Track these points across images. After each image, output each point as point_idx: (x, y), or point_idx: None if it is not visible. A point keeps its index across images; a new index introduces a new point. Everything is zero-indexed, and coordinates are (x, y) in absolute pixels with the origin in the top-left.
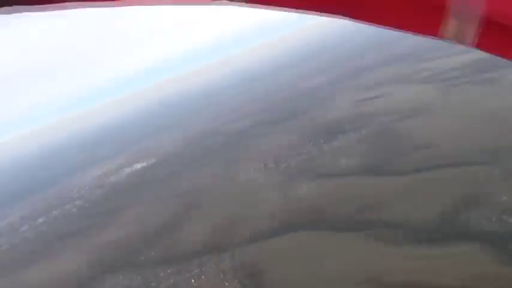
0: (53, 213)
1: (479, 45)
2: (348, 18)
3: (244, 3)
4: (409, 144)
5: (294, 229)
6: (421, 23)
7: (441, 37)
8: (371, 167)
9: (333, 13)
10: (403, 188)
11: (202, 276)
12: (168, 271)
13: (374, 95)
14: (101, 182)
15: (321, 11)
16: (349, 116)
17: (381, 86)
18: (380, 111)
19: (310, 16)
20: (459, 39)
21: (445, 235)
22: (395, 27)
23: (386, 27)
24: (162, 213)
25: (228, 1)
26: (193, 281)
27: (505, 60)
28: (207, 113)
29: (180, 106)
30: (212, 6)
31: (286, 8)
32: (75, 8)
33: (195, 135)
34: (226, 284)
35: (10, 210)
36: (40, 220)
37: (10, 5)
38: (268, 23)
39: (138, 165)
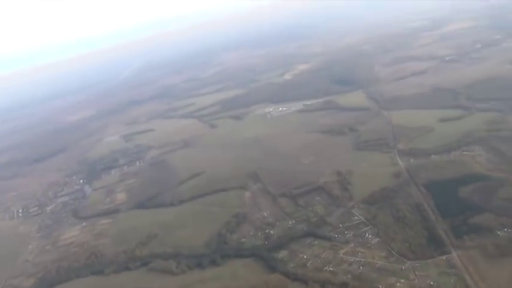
0: None
1: None
2: None
3: None
4: (181, 175)
5: (68, 279)
6: None
7: None
8: (144, 200)
9: None
10: (176, 218)
11: None
12: None
13: (143, 129)
14: None
15: None
16: (119, 151)
17: (146, 121)
18: (151, 144)
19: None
20: None
21: (219, 256)
22: None
23: None
24: None
25: None
26: None
27: (250, 97)
28: None
29: None
30: None
31: None
32: None
33: None
34: None
35: None
36: None
37: None
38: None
39: None
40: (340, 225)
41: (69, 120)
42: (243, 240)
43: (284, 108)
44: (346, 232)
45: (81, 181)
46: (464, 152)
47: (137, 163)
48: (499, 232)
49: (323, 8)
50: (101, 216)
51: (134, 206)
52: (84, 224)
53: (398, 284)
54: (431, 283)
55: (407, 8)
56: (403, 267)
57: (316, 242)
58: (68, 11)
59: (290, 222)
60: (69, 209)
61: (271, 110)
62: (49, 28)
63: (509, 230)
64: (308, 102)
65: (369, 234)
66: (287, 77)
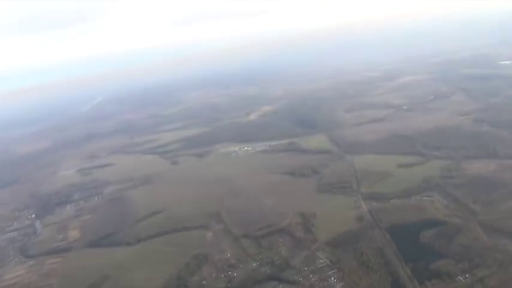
0: None
1: None
2: None
3: None
4: (140, 212)
5: None
6: None
7: None
8: (98, 238)
9: None
10: (133, 258)
11: None
12: None
13: (101, 163)
14: None
15: None
16: (75, 185)
17: (106, 155)
18: (110, 179)
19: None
20: None
21: None
22: None
23: None
24: None
25: None
26: None
27: (214, 136)
28: None
29: None
30: None
31: None
32: None
33: None
34: None
35: None
36: None
37: None
38: None
39: None
40: (305, 269)
41: (23, 151)
42: (204, 282)
43: (248, 148)
44: (310, 276)
45: (33, 216)
46: (424, 198)
47: (94, 198)
48: (459, 278)
49: (291, 53)
50: (51, 254)
51: (88, 245)
52: (31, 262)
53: None
54: None
55: (364, 59)
56: None
57: (280, 286)
58: (39, 37)
59: (253, 265)
60: (17, 245)
61: (235, 149)
62: (20, 53)
63: (468, 276)
64: (272, 143)
65: (333, 279)
66: (251, 117)
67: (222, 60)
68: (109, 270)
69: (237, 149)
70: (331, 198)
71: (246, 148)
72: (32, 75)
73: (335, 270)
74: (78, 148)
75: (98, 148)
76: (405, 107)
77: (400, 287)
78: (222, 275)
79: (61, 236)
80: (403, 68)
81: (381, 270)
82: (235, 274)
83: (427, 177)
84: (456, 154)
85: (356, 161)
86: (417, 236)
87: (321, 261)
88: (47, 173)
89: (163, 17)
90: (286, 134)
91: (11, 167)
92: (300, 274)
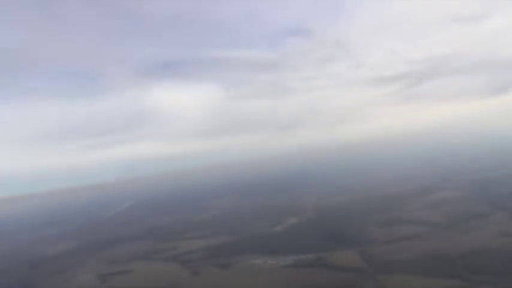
0: None
1: None
2: None
3: None
4: None
5: None
6: None
7: None
8: None
9: None
10: None
11: None
12: None
13: (121, 269)
14: None
15: None
16: None
17: (126, 261)
18: None
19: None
20: None
21: None
22: None
23: None
24: None
25: None
26: None
27: (238, 246)
28: None
29: None
30: None
31: None
32: None
33: None
34: None
35: None
36: None
37: None
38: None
39: None
40: None
41: (47, 252)
42: None
43: (273, 262)
44: None
45: None
46: None
47: None
48: None
49: (323, 164)
50: None
51: None
52: None
53: None
54: None
55: (397, 171)
56: None
57: None
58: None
59: None
60: None
61: (259, 262)
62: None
63: None
64: (298, 257)
65: None
66: (277, 228)
67: (253, 169)
68: None
69: (260, 262)
70: None
71: (270, 261)
72: (72, 177)
73: None
74: (101, 252)
75: (120, 253)
76: (441, 225)
77: None
78: None
79: None
80: (438, 183)
81: None
82: None
83: None
84: (501, 280)
85: (389, 282)
86: None
87: None
88: (65, 277)
89: (195, 128)
90: (314, 248)
91: (32, 269)
92: None
